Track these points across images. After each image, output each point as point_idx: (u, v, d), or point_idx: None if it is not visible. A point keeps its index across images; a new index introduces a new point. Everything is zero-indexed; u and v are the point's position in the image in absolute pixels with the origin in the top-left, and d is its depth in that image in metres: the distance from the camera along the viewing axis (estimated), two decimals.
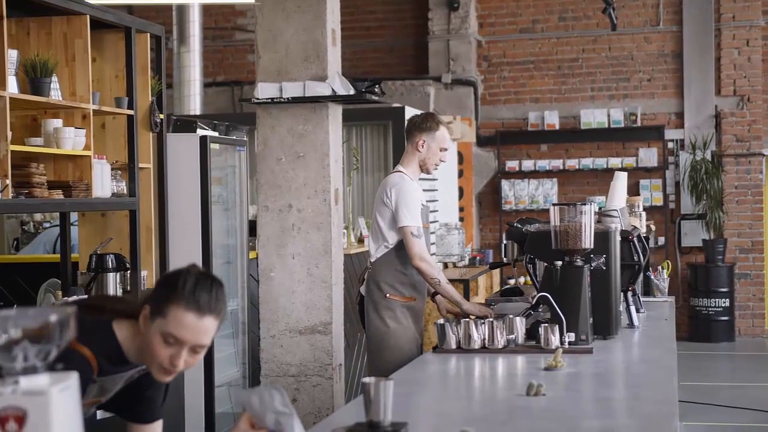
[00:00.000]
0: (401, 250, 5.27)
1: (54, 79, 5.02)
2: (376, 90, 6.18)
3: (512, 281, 12.35)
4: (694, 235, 12.94)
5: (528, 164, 13.26)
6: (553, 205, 4.58)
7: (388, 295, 5.31)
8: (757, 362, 11.71)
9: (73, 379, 1.81)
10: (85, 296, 5.07)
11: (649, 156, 13.00)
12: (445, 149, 5.44)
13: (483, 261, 11.25)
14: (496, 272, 11.49)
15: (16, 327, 1.77)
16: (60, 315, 1.79)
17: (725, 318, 12.62)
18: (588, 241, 4.51)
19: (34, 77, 4.91)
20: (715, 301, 12.58)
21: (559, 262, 4.51)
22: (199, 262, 6.45)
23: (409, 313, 5.31)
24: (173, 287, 2.66)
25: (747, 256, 12.97)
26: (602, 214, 5.23)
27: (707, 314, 12.59)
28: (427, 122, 5.41)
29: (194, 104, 10.92)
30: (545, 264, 4.65)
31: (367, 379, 2.78)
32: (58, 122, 5.12)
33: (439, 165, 5.50)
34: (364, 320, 5.47)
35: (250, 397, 2.64)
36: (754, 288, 12.98)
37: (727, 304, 12.60)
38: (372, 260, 5.40)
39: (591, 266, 4.56)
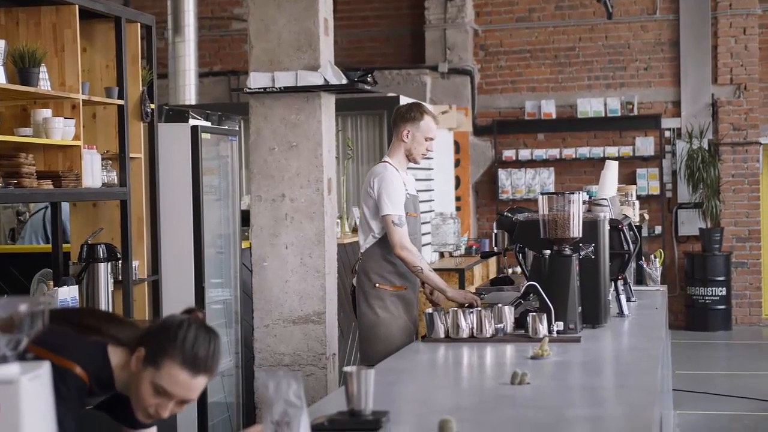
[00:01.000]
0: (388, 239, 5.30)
1: (43, 69, 5.02)
2: (368, 79, 6.17)
3: (509, 270, 12.37)
4: (690, 224, 12.94)
5: (525, 153, 13.25)
6: (542, 194, 4.59)
7: (377, 284, 5.34)
8: (753, 351, 11.72)
9: (44, 368, 1.82)
10: (80, 308, 4.97)
11: (645, 145, 12.99)
12: (431, 139, 5.45)
13: (479, 250, 11.26)
14: (493, 261, 11.50)
15: None
16: (30, 306, 1.79)
17: (722, 307, 12.63)
18: (576, 230, 4.51)
19: (22, 67, 4.90)
20: (712, 290, 12.59)
21: (548, 251, 4.51)
22: (192, 252, 6.46)
23: (399, 302, 5.33)
24: (172, 339, 2.63)
25: (744, 245, 12.97)
26: (592, 203, 5.23)
27: (704, 303, 12.60)
28: (411, 112, 5.44)
29: (189, 94, 10.92)
30: (534, 253, 4.66)
31: (348, 369, 2.79)
32: (47, 112, 5.12)
33: (427, 154, 5.52)
34: (356, 310, 5.49)
35: (269, 380, 2.66)
36: (751, 277, 12.98)
37: (724, 292, 12.61)
38: (361, 251, 5.44)
39: (579, 255, 4.57)
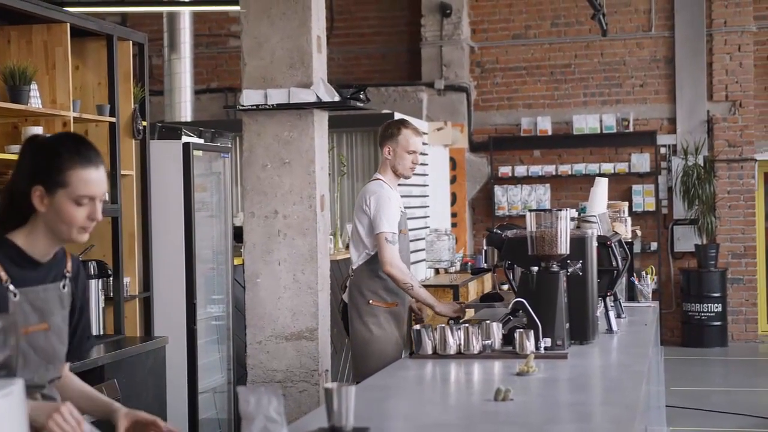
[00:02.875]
0: None
1: (33, 86, 5.04)
2: (360, 96, 6.19)
3: (505, 287, 12.36)
4: (686, 240, 12.95)
5: (521, 170, 13.27)
6: (530, 211, 4.61)
7: (371, 301, 5.38)
8: (749, 367, 11.70)
9: (17, 385, 1.83)
10: None
11: (641, 161, 13.02)
12: (413, 152, 5.53)
13: (474, 267, 11.26)
14: (488, 278, 11.50)
15: None
16: (2, 322, 1.80)
17: (718, 323, 12.62)
18: (564, 247, 4.52)
19: (13, 85, 4.93)
20: (708, 306, 12.58)
21: (535, 268, 4.52)
22: (183, 269, 6.48)
23: (392, 318, 5.35)
24: (57, 158, 2.73)
25: (739, 261, 12.98)
26: (581, 220, 5.25)
27: (700, 319, 12.60)
28: (389, 129, 5.58)
29: (185, 111, 10.95)
30: (522, 269, 4.67)
31: (329, 385, 2.80)
32: (38, 129, 5.14)
33: (414, 168, 5.58)
34: (347, 327, 5.51)
35: (249, 395, 2.68)
36: (747, 293, 12.99)
37: (720, 309, 12.61)
38: (353, 267, 5.49)
39: (567, 272, 4.57)
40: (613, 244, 5.16)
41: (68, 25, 5.31)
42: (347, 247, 8.36)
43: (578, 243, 4.67)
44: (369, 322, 5.34)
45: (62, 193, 2.74)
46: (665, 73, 13.14)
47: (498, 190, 13.31)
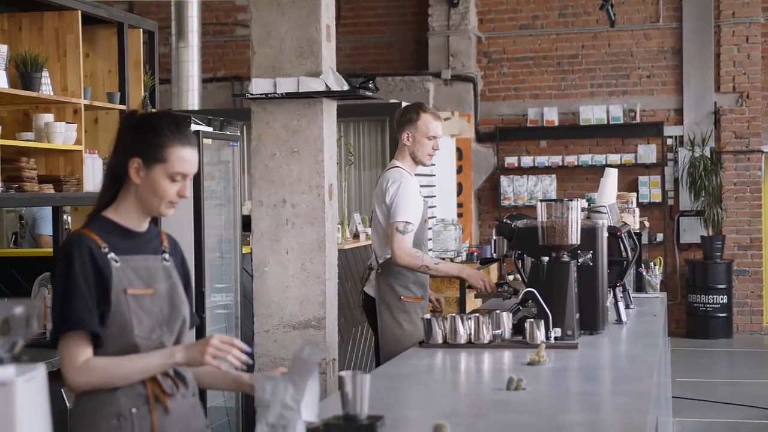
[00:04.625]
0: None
1: (45, 74, 5.05)
2: (369, 86, 6.18)
3: (510, 277, 12.36)
4: (692, 231, 12.95)
5: (527, 160, 13.27)
6: (540, 200, 4.60)
7: (402, 297, 5.27)
8: (754, 359, 11.72)
9: (39, 370, 1.84)
10: None
11: (648, 152, 13.01)
12: (433, 137, 5.37)
13: (480, 257, 11.25)
14: (494, 268, 11.50)
15: None
16: (25, 308, 1.81)
17: (723, 314, 12.63)
18: (575, 237, 4.51)
19: (24, 72, 4.94)
20: (713, 298, 12.59)
21: (546, 258, 4.52)
22: (192, 257, 6.48)
23: (421, 312, 5.29)
24: (160, 134, 2.88)
25: (745, 253, 12.98)
26: (591, 210, 5.24)
27: (705, 311, 12.60)
28: (407, 114, 5.40)
29: (192, 100, 10.95)
30: (532, 260, 4.67)
31: (343, 373, 2.80)
32: (49, 117, 5.15)
33: (434, 154, 5.42)
34: (372, 321, 5.40)
35: (265, 383, 2.69)
36: (752, 285, 12.99)
37: (725, 300, 12.61)
38: (380, 261, 5.34)
39: (578, 262, 4.57)
40: (622, 235, 5.16)
41: (79, 12, 5.31)
42: (355, 236, 8.37)
43: (589, 233, 4.66)
44: (401, 318, 5.23)
45: (159, 168, 2.87)
46: (672, 64, 13.13)
47: (504, 180, 13.31)
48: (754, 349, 12.23)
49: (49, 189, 5.05)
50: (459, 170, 12.76)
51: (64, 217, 6.18)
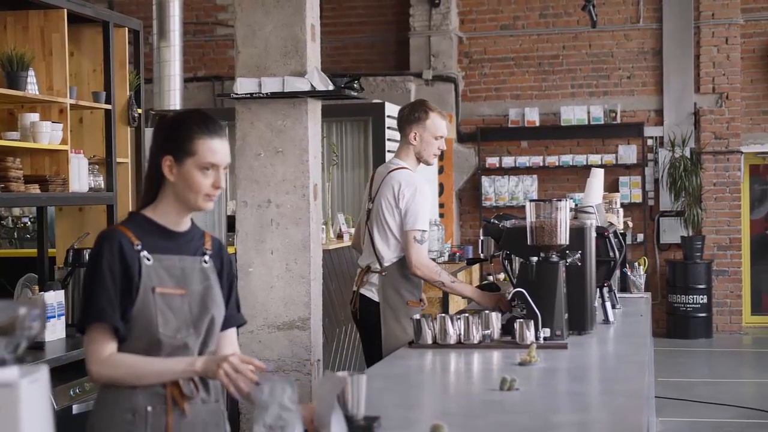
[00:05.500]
0: None
1: (31, 73, 5.01)
2: (355, 86, 6.18)
3: (491, 277, 12.38)
4: (672, 231, 13.00)
5: (508, 161, 13.29)
6: (530, 201, 4.60)
7: (409, 302, 5.16)
8: (734, 358, 11.78)
9: (42, 372, 1.82)
10: None
11: (628, 153, 13.06)
12: (440, 137, 5.23)
13: (463, 257, 11.25)
14: (476, 268, 11.52)
15: None
16: (29, 308, 1.79)
17: (703, 314, 12.69)
18: (563, 237, 4.52)
19: (10, 71, 4.89)
20: (693, 298, 12.65)
21: (535, 258, 4.52)
22: None
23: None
24: (187, 128, 2.94)
25: (725, 253, 13.04)
26: (578, 211, 5.25)
27: (685, 311, 12.66)
28: (415, 112, 5.23)
29: (174, 99, 10.86)
30: (521, 260, 4.67)
31: (340, 374, 2.80)
32: (34, 116, 5.10)
33: (438, 154, 5.29)
34: (368, 324, 5.27)
35: (263, 384, 2.69)
36: (732, 285, 13.06)
37: (705, 300, 12.67)
38: (385, 264, 5.18)
39: (566, 262, 4.57)
40: (609, 235, 5.17)
41: (65, 11, 5.27)
42: (339, 236, 8.36)
43: (577, 233, 4.67)
44: (405, 323, 5.06)
45: (190, 161, 2.92)
46: (653, 65, 13.18)
47: (485, 180, 13.32)
48: (733, 348, 12.29)
49: (35, 189, 5.01)
50: (440, 170, 12.76)
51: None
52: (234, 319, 3.14)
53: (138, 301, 2.87)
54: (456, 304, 9.20)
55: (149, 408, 2.89)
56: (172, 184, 2.95)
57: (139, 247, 2.91)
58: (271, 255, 5.88)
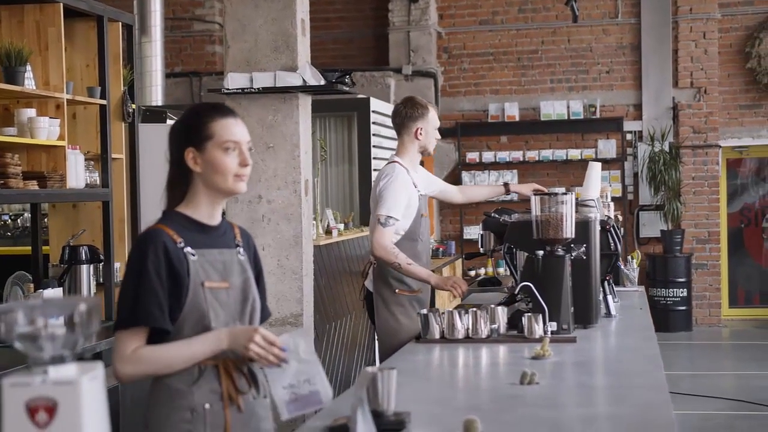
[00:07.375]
0: (406, 243, 5.23)
1: (28, 68, 4.94)
2: (346, 81, 6.16)
3: (482, 271, 12.41)
4: (652, 225, 13.06)
5: (488, 156, 13.30)
6: (535, 194, 4.59)
7: (397, 290, 5.27)
8: (714, 351, 11.86)
9: (99, 369, 1.79)
10: None
11: (608, 147, 13.10)
12: (437, 127, 5.51)
13: (446, 252, 11.28)
14: (458, 263, 11.53)
15: (43, 316, 1.74)
16: (88, 304, 1.76)
17: (683, 308, 12.76)
18: (569, 231, 4.52)
19: (8, 66, 4.83)
20: (673, 291, 12.72)
21: (541, 252, 4.51)
22: None
23: (418, 306, 5.27)
24: (198, 117, 2.96)
25: (704, 247, 13.12)
26: (579, 204, 5.25)
27: (665, 304, 12.72)
28: (417, 109, 5.39)
29: (156, 95, 10.80)
30: (526, 254, 4.66)
31: (370, 369, 2.77)
32: (31, 112, 5.04)
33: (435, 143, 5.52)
34: (371, 315, 5.39)
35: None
36: (711, 278, 13.14)
37: (685, 293, 12.75)
38: (376, 254, 5.28)
39: (572, 256, 4.57)
40: (611, 228, 5.18)
41: (61, 5, 5.20)
42: (327, 232, 8.33)
43: (582, 227, 4.67)
44: (396, 311, 5.24)
45: (210, 145, 2.92)
46: (631, 59, 13.23)
47: (465, 175, 13.32)
48: (713, 341, 12.37)
49: (33, 185, 4.95)
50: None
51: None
52: (264, 311, 3.12)
53: (189, 297, 2.86)
54: (441, 298, 9.20)
55: (207, 406, 2.86)
56: (200, 175, 2.94)
57: (182, 244, 2.89)
58: (262, 251, 5.85)
